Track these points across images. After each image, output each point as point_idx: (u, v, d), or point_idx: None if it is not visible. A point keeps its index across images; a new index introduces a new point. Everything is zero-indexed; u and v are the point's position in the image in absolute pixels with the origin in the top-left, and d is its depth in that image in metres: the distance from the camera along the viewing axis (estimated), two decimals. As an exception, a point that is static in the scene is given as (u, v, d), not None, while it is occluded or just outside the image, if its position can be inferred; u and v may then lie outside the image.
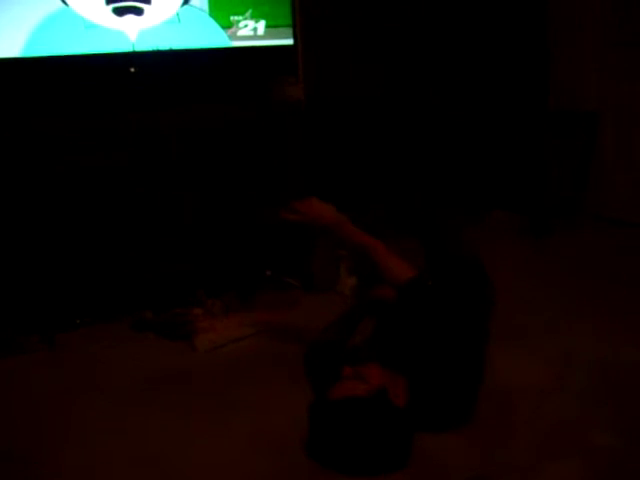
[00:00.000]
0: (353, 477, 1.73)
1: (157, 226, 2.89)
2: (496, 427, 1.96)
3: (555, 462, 1.80)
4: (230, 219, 2.99)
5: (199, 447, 1.95)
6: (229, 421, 2.08)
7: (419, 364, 1.90)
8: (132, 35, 2.86)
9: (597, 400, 2.09)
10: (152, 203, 2.86)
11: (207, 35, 2.98)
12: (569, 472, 1.76)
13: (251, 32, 3.02)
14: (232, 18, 2.99)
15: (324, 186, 3.58)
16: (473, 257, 2.24)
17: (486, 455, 1.84)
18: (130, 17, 2.83)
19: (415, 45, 3.87)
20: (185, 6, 2.91)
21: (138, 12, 2.84)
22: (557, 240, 3.73)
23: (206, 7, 2.94)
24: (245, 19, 3.00)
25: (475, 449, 1.86)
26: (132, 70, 2.89)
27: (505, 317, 2.30)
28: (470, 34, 4.00)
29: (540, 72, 4.12)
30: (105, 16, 2.81)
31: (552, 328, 2.62)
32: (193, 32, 2.96)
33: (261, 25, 3.03)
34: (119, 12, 2.82)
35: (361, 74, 3.75)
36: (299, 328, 2.72)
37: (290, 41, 3.10)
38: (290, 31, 3.10)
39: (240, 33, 3.01)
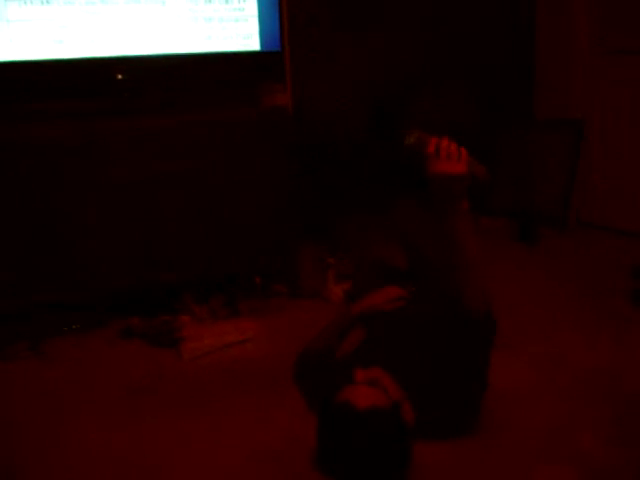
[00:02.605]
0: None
1: (144, 232, 2.88)
2: (487, 434, 1.96)
3: (546, 467, 1.81)
4: (217, 225, 2.99)
5: (189, 456, 1.95)
6: (220, 430, 2.07)
7: (422, 378, 1.88)
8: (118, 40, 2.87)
9: (586, 405, 2.11)
10: (139, 209, 2.86)
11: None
12: (560, 477, 1.78)
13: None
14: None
15: (311, 193, 3.61)
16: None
17: (479, 462, 1.85)
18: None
19: (402, 51, 3.88)
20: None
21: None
22: (544, 247, 3.76)
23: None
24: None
25: (466, 455, 1.87)
26: (119, 77, 2.89)
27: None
28: (457, 40, 4.02)
29: (527, 80, 4.15)
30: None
31: (540, 334, 2.64)
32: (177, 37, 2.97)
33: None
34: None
35: (349, 81, 3.76)
36: (286, 335, 2.72)
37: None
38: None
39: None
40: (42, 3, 2.73)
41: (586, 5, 3.86)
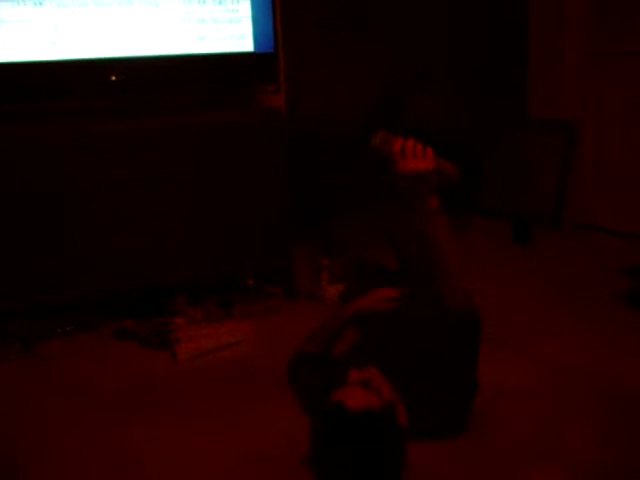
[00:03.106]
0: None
1: (139, 234, 2.88)
2: (479, 433, 1.96)
3: (538, 466, 1.82)
4: (211, 227, 2.99)
5: (184, 457, 1.94)
6: (214, 431, 2.07)
7: (415, 379, 1.88)
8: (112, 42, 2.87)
9: (578, 405, 2.11)
10: (133, 211, 2.85)
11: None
12: (552, 476, 1.78)
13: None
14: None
15: (305, 194, 3.61)
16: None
17: (471, 462, 1.85)
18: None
19: (397, 52, 3.89)
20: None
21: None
22: (537, 247, 3.76)
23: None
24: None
25: (459, 456, 1.87)
26: (113, 78, 2.89)
27: (486, 324, 2.31)
28: (452, 41, 4.04)
29: (521, 80, 4.16)
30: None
31: (533, 334, 2.64)
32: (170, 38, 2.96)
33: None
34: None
35: (342, 83, 3.77)
36: (281, 336, 2.72)
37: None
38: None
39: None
40: (35, 4, 2.73)
41: (579, 6, 3.87)
